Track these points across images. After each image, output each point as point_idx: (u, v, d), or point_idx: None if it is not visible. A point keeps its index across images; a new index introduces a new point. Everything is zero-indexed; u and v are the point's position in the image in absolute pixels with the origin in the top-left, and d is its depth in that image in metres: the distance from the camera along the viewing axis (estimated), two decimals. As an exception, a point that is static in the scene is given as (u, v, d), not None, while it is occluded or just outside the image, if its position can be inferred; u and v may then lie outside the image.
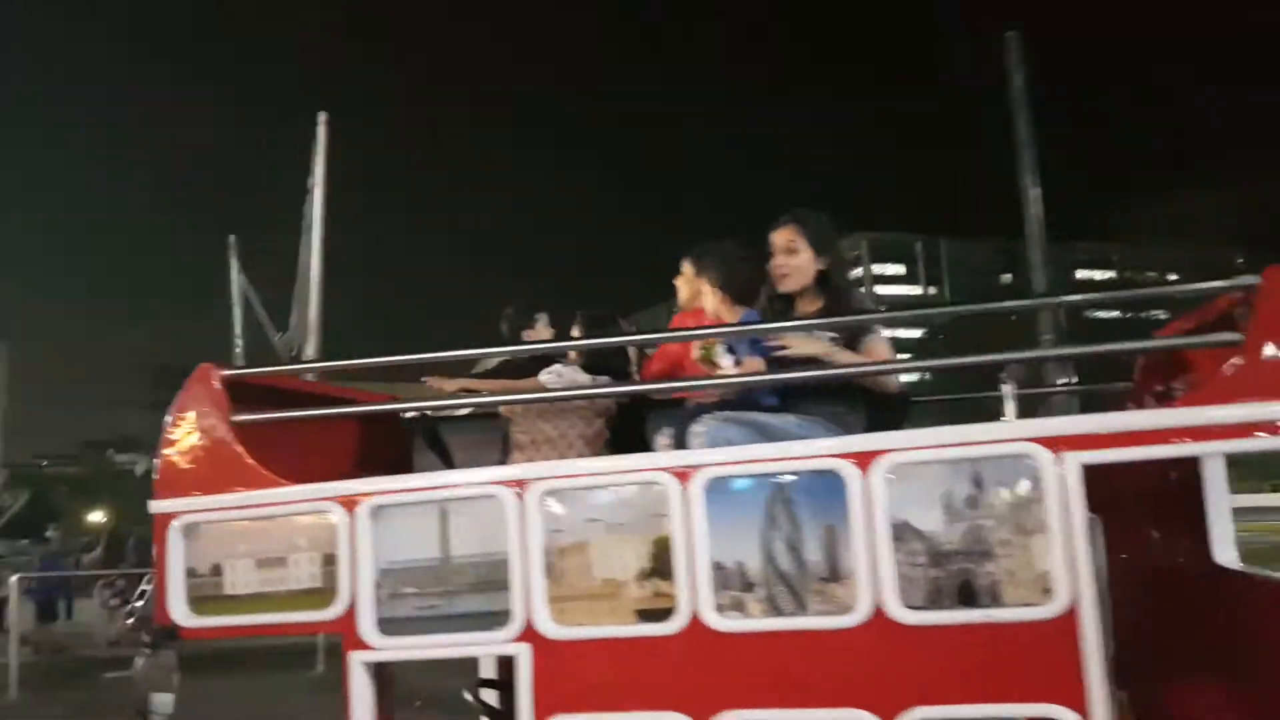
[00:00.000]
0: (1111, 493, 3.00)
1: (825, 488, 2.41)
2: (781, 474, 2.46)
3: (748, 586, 2.45)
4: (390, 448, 3.48)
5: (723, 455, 2.52)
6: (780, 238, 3.03)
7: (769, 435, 2.64)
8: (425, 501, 2.72)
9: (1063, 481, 2.26)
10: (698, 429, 2.66)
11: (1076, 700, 2.19)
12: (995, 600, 2.29)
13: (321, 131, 12.14)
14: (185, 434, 2.93)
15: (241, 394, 3.02)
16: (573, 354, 3.40)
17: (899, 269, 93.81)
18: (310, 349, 11.50)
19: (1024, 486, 2.30)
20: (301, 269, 12.16)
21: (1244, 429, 2.21)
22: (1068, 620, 2.22)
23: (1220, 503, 3.09)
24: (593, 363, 3.35)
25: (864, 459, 2.37)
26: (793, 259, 3.02)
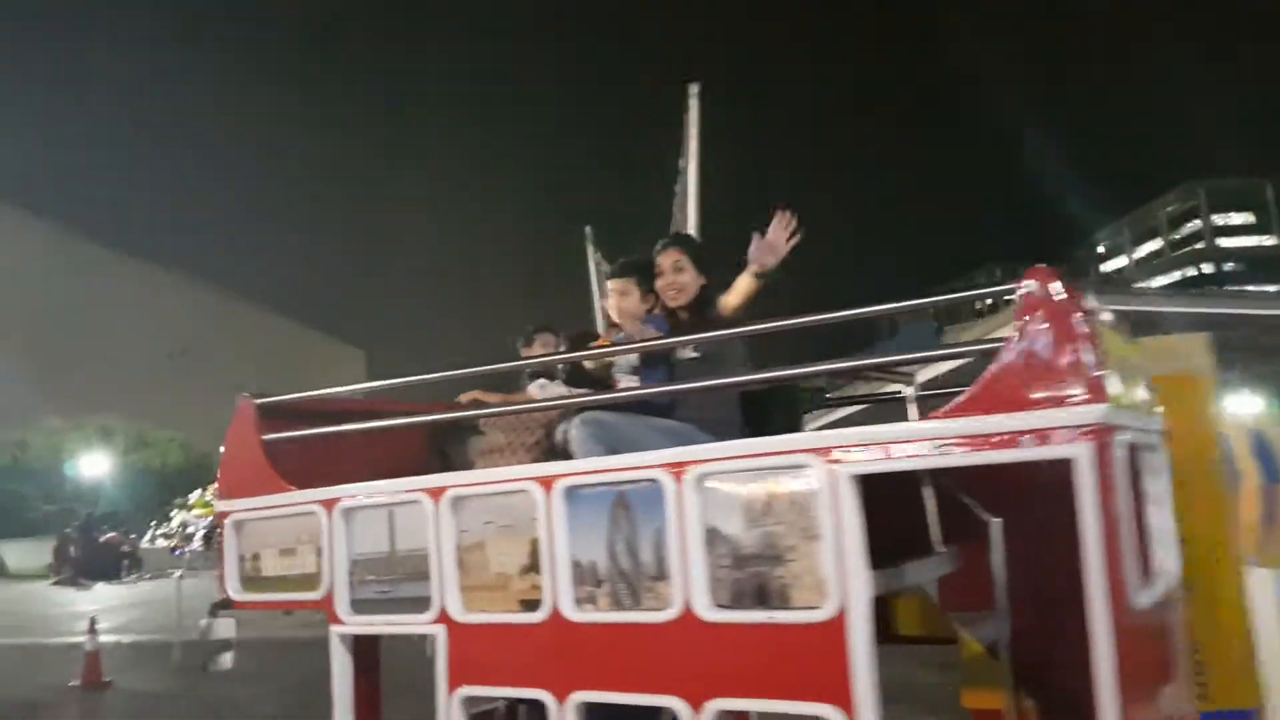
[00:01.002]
0: (1031, 493, 2.94)
1: (653, 495, 2.67)
2: (621, 482, 2.74)
3: (598, 582, 2.76)
4: (413, 454, 4.09)
5: (572, 467, 2.85)
6: (667, 260, 3.31)
7: (619, 437, 2.92)
8: (378, 505, 3.28)
9: (835, 490, 2.36)
10: (571, 428, 3.02)
11: (844, 700, 2.30)
12: (784, 602, 2.44)
13: (693, 104, 13.21)
14: (232, 448, 3.71)
15: (284, 413, 3.74)
16: (561, 369, 3.82)
17: (1246, 218, 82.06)
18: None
19: (805, 495, 2.42)
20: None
21: (987, 441, 2.19)
22: (838, 624, 2.33)
23: (1165, 506, 2.91)
24: (574, 376, 3.75)
25: (678, 469, 2.60)
26: (681, 277, 3.29)
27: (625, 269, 3.62)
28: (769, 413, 3.16)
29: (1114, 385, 2.21)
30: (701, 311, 3.28)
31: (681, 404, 3.15)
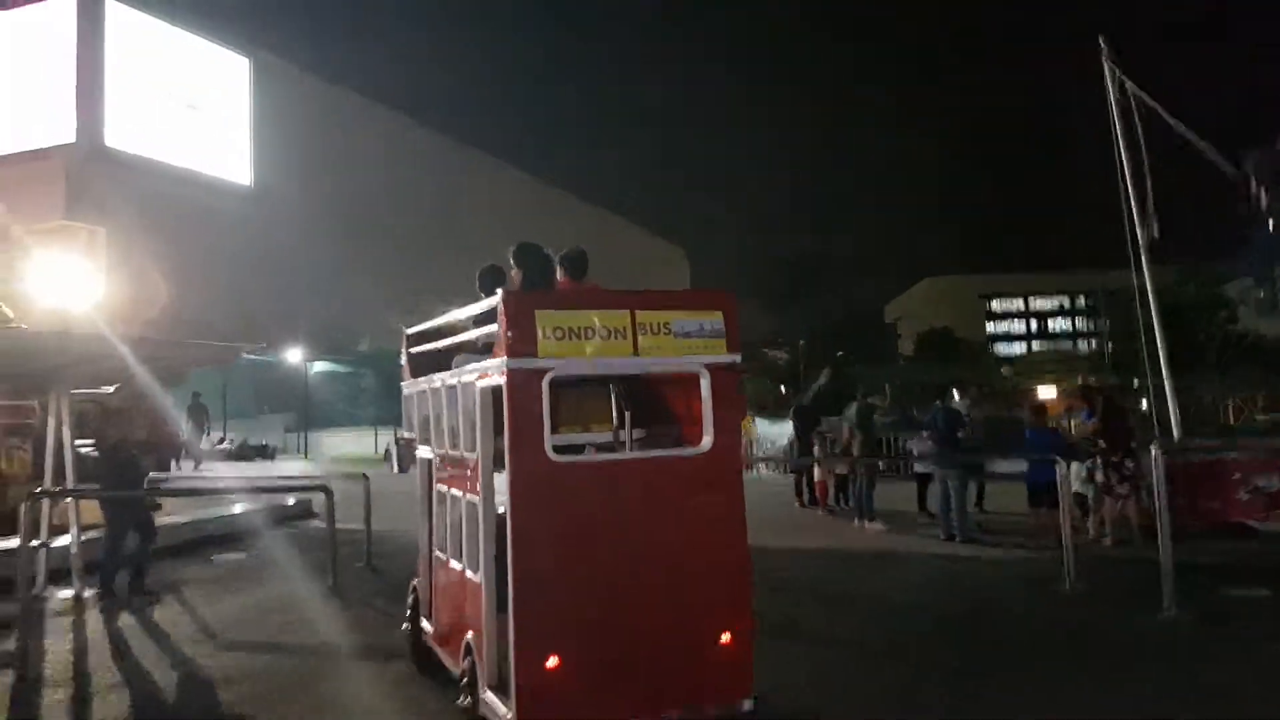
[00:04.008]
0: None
1: (460, 392, 5.17)
2: (457, 384, 5.26)
3: (454, 436, 5.36)
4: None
5: (443, 377, 5.44)
6: None
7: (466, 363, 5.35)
8: (421, 391, 6.19)
9: (479, 394, 4.67)
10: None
11: (473, 489, 4.69)
12: (473, 449, 4.82)
13: None
14: (403, 357, 6.86)
15: (417, 336, 6.78)
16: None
17: None
18: None
19: (480, 395, 4.75)
20: None
21: (485, 374, 4.35)
22: (478, 460, 4.68)
23: (707, 408, 4.61)
24: None
25: (460, 379, 5.07)
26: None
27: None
28: None
29: (543, 348, 4.20)
30: None
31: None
